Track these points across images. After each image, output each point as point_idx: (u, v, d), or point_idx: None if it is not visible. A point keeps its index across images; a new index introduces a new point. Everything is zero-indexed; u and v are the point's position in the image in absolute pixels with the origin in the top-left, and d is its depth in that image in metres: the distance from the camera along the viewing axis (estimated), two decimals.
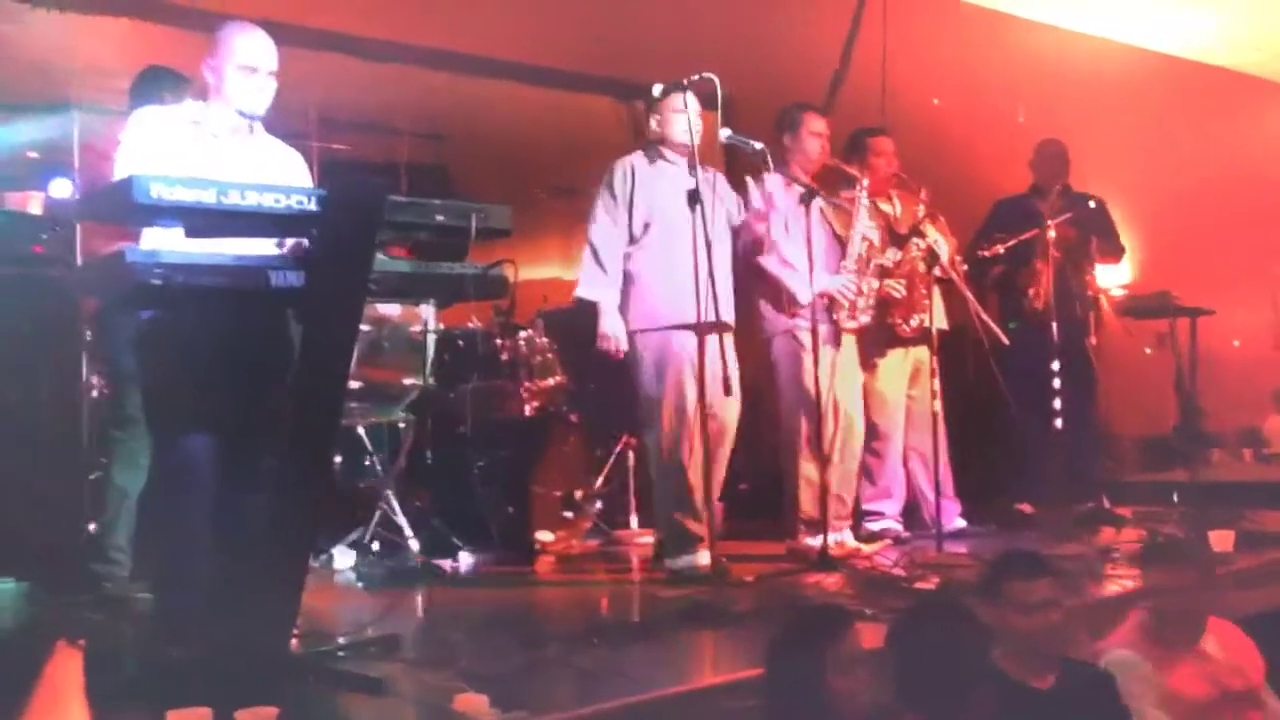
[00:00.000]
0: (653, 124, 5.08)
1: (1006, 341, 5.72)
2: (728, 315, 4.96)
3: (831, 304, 5.45)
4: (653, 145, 5.11)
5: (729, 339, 5.01)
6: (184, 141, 3.51)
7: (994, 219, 6.50)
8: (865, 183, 5.57)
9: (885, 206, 5.88)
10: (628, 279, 5.05)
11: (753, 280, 5.42)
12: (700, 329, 4.70)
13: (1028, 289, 6.29)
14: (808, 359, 5.13)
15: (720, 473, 5.05)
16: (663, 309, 4.95)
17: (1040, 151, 6.64)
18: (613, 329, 4.99)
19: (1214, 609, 3.62)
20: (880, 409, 5.82)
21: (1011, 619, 3.13)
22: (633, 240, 5.05)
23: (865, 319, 5.55)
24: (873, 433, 5.76)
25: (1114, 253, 6.69)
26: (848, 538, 5.47)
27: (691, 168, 4.75)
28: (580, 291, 5.10)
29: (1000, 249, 6.13)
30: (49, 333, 4.82)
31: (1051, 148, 6.62)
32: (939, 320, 5.80)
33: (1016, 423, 5.96)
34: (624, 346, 5.00)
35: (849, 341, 5.56)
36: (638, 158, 5.12)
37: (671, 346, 4.91)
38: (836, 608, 3.64)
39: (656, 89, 4.82)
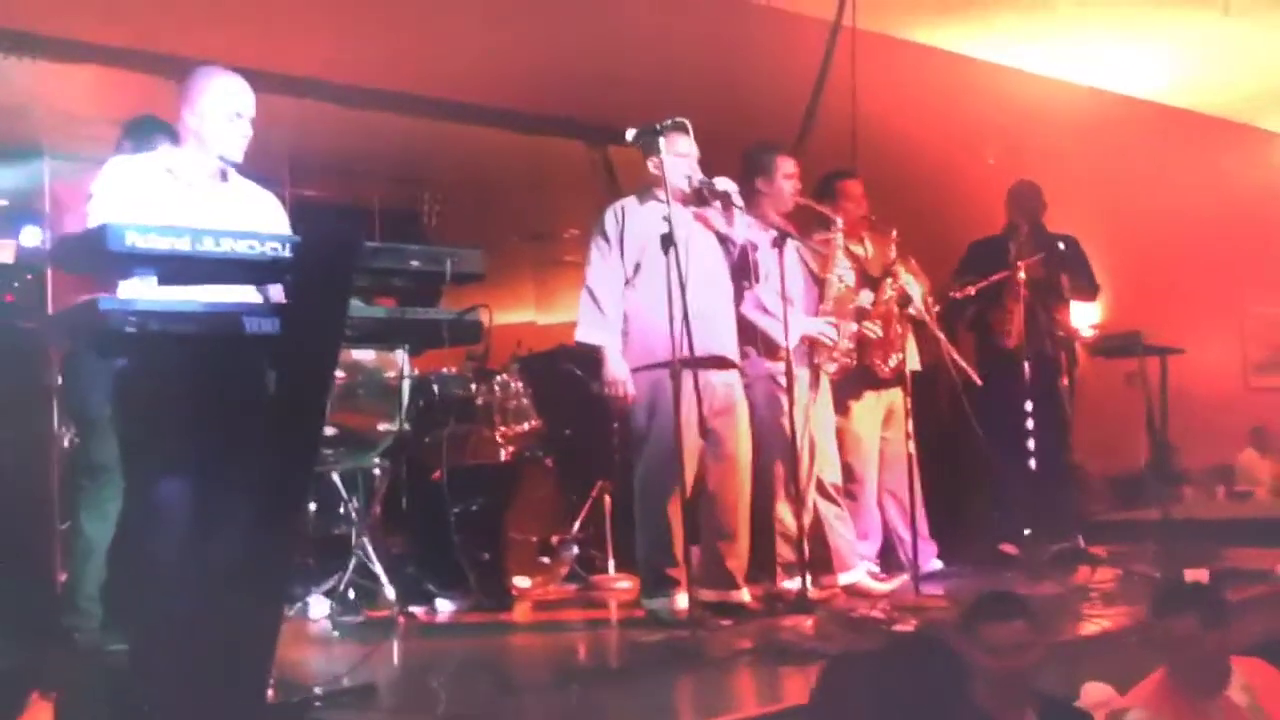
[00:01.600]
0: (650, 166, 4.97)
1: (979, 381, 5.75)
2: (729, 351, 5.00)
3: (812, 347, 5.46)
4: (647, 187, 5.06)
5: (730, 376, 5.03)
6: (157, 189, 3.49)
7: (969, 260, 6.54)
8: (840, 223, 5.60)
9: (856, 248, 5.90)
10: (624, 319, 5.01)
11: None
12: (692, 365, 4.64)
13: (999, 329, 6.33)
14: (784, 401, 5.13)
15: (736, 510, 5.00)
16: (656, 347, 4.84)
17: (1014, 192, 6.69)
18: (619, 373, 4.92)
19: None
20: (855, 450, 5.83)
21: (990, 658, 3.12)
22: (626, 281, 5.01)
23: (846, 361, 5.57)
24: (848, 474, 5.75)
25: (1088, 291, 6.74)
26: (863, 578, 5.47)
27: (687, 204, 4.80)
28: (580, 336, 5.03)
29: (971, 290, 6.19)
30: (19, 381, 4.78)
31: (1023, 189, 6.67)
32: (912, 361, 5.83)
33: (991, 463, 5.98)
34: (631, 390, 4.92)
35: (824, 383, 5.57)
36: (629, 200, 5.11)
37: (663, 385, 4.80)
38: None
39: (630, 133, 4.84)
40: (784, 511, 5.27)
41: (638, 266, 4.97)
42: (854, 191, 5.95)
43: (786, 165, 5.55)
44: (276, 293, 3.39)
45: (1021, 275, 6.10)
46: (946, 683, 2.85)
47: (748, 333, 5.32)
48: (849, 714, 2.80)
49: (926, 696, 2.84)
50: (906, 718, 2.85)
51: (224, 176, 3.62)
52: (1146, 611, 3.64)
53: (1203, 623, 3.36)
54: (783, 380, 5.17)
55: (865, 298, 5.74)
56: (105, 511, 4.23)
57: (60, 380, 4.90)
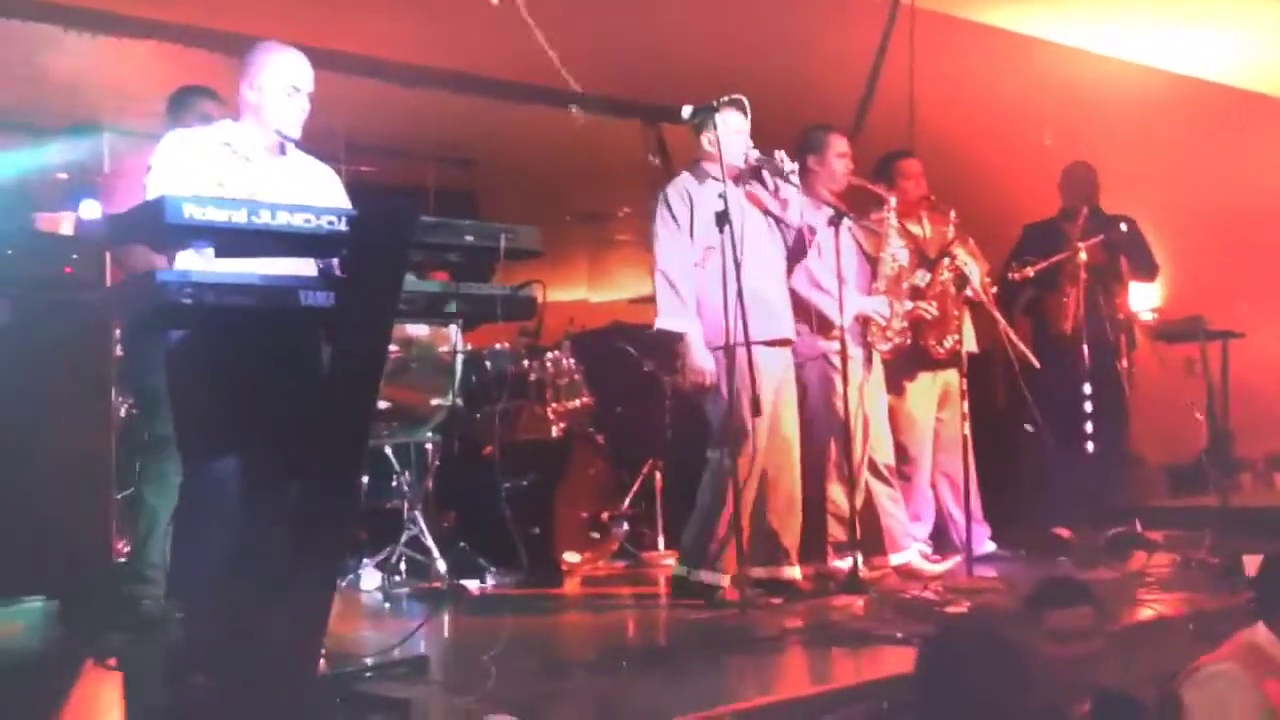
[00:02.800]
0: (704, 143, 4.93)
1: (1037, 364, 5.70)
2: (785, 331, 5.00)
3: (866, 325, 5.43)
4: (696, 163, 5.01)
5: (786, 355, 5.03)
6: (215, 162, 3.51)
7: (1024, 243, 6.48)
8: (893, 203, 5.56)
9: (914, 228, 5.86)
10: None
11: None
12: (750, 345, 4.58)
13: (1056, 313, 6.27)
14: (839, 382, 5.10)
15: (793, 489, 4.97)
16: (722, 329, 4.70)
17: (1068, 175, 6.63)
18: (704, 362, 4.81)
19: None
20: (909, 431, 5.80)
21: (1049, 645, 3.09)
22: (695, 264, 4.89)
23: (899, 340, 5.53)
24: (901, 455, 5.72)
25: (1147, 272, 6.65)
26: (915, 559, 5.45)
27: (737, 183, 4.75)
28: (662, 323, 4.87)
29: (1030, 272, 6.12)
30: (77, 353, 4.84)
31: (1079, 171, 6.60)
32: (968, 343, 5.78)
33: (1046, 446, 5.92)
34: (713, 379, 4.80)
35: (877, 363, 5.54)
36: (688, 179, 4.99)
37: (731, 366, 4.67)
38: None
39: (685, 111, 4.82)
40: (836, 491, 5.25)
41: (706, 248, 4.85)
42: (912, 170, 5.91)
43: (839, 144, 5.52)
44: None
45: (1082, 257, 6.03)
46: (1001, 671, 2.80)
47: (801, 310, 5.28)
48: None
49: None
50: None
51: (282, 150, 3.63)
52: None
53: None
54: (836, 360, 5.14)
55: (922, 278, 5.70)
56: (168, 483, 4.27)
57: (120, 352, 4.97)
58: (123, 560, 4.88)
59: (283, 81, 3.55)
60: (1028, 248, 6.38)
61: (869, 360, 5.47)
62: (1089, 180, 6.57)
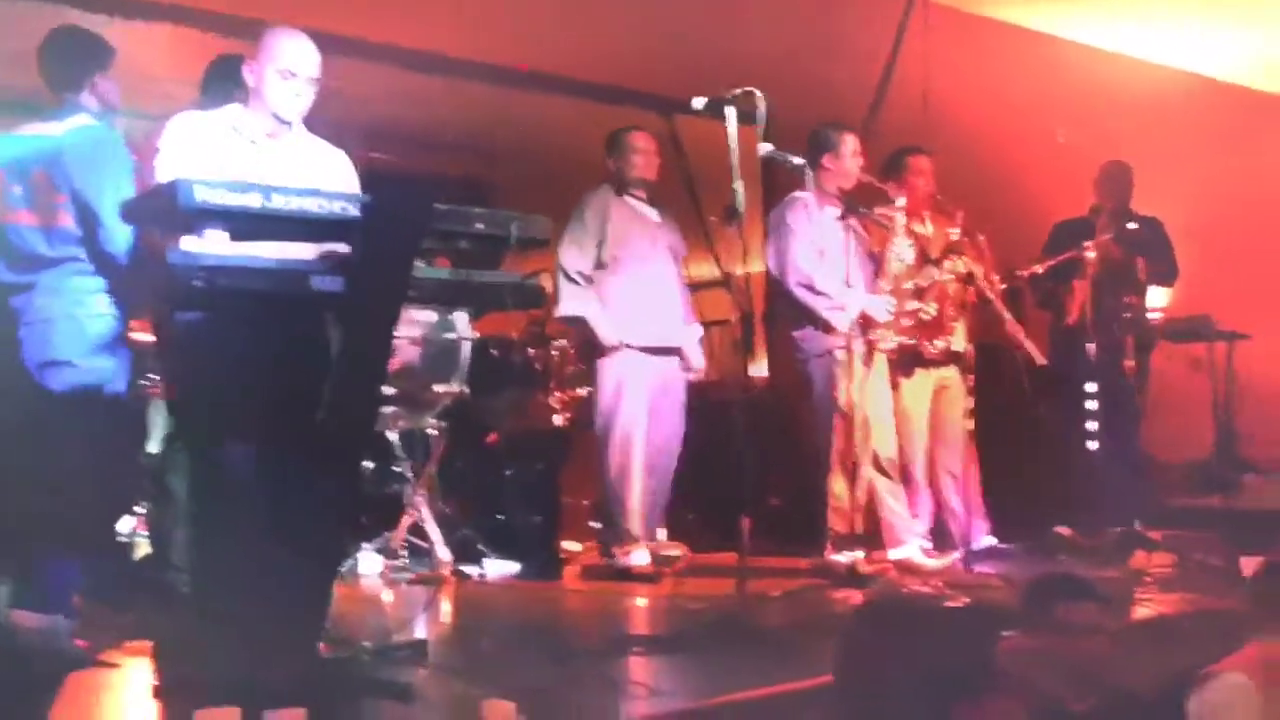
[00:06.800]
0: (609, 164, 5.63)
1: (1042, 361, 5.70)
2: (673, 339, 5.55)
3: (868, 323, 5.44)
4: (620, 176, 5.60)
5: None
6: (222, 145, 3.52)
7: (1053, 240, 6.44)
8: (902, 201, 5.57)
9: (918, 228, 5.85)
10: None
11: (785, 304, 5.46)
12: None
13: (1065, 309, 6.26)
14: (842, 376, 5.15)
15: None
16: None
17: (1104, 172, 6.61)
18: (610, 334, 5.43)
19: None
20: (903, 428, 5.81)
21: (1059, 640, 3.10)
22: (600, 265, 5.45)
23: (902, 339, 5.54)
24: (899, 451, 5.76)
25: (1166, 276, 6.62)
26: (915, 554, 5.47)
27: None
28: (562, 310, 5.48)
29: (1039, 269, 6.12)
30: None
31: (1114, 169, 6.58)
32: (958, 342, 5.79)
33: (1050, 443, 5.93)
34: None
35: (880, 359, 5.55)
36: (604, 190, 5.59)
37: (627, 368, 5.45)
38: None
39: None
40: (838, 485, 5.29)
41: (612, 255, 5.44)
42: (922, 167, 5.91)
43: (852, 142, 5.58)
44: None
45: (1090, 255, 6.02)
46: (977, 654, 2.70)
47: (803, 309, 5.35)
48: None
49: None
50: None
51: (290, 132, 3.63)
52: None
53: None
54: (840, 355, 5.19)
55: (926, 277, 5.70)
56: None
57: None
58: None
59: (277, 64, 3.54)
60: (1056, 245, 6.35)
61: (870, 357, 5.47)
62: (1124, 180, 6.54)
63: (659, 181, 5.77)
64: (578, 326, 5.53)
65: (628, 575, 5.29)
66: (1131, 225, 6.27)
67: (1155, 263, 6.44)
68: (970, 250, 5.85)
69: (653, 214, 5.61)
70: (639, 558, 5.35)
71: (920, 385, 5.85)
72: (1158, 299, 7.03)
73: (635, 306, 5.44)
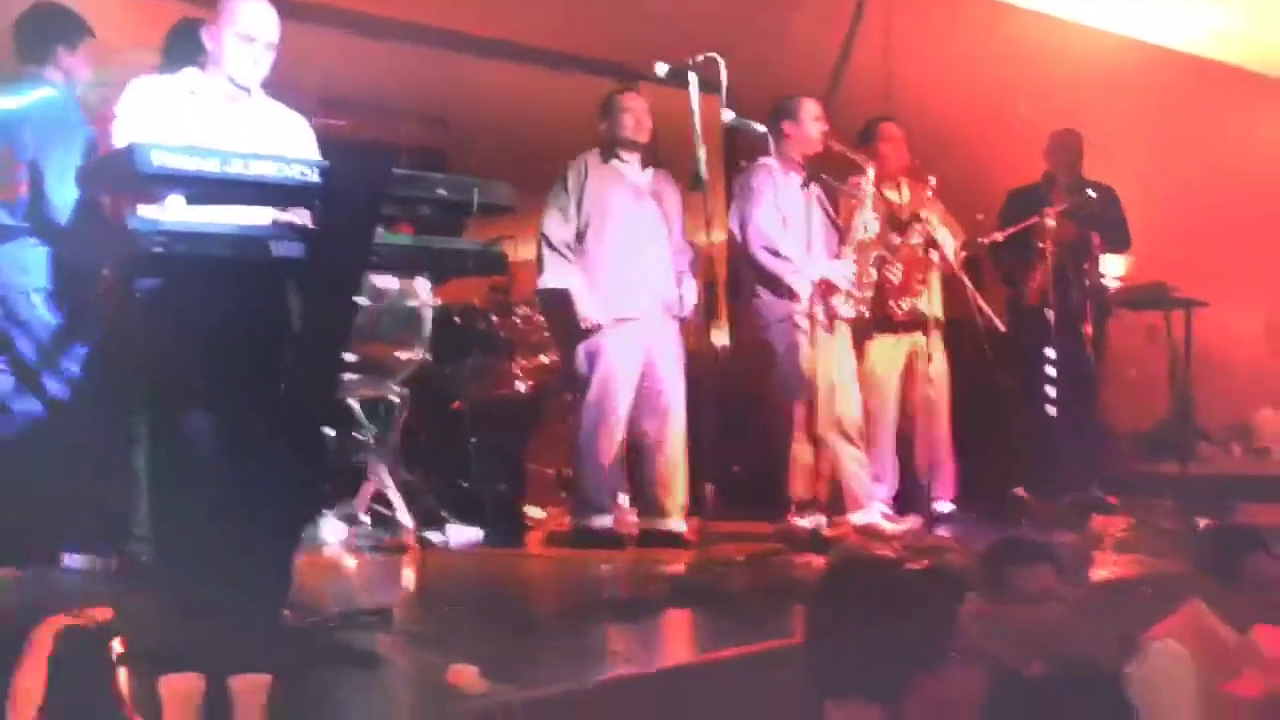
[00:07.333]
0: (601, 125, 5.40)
1: (1003, 328, 5.74)
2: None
3: (828, 289, 5.46)
4: (611, 141, 5.39)
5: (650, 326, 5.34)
6: (179, 109, 3.50)
7: (1007, 208, 6.50)
8: (871, 173, 5.58)
9: (891, 194, 5.87)
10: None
11: (748, 270, 5.47)
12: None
13: (1024, 278, 6.31)
14: (804, 343, 5.16)
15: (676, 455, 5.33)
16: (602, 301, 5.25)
17: (1054, 141, 6.67)
18: (590, 310, 5.24)
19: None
20: (872, 393, 5.85)
21: (1006, 605, 3.12)
22: (579, 235, 5.30)
23: (861, 309, 5.56)
24: (864, 416, 5.80)
25: (1119, 244, 6.66)
26: (876, 519, 5.50)
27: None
28: (545, 282, 5.32)
29: (999, 236, 6.16)
30: None
31: (1064, 138, 6.64)
32: (936, 309, 5.82)
33: (1010, 410, 5.99)
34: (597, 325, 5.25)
35: (843, 326, 5.58)
36: (591, 155, 5.39)
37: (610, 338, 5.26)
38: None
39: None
40: (801, 451, 5.32)
41: (588, 223, 5.27)
42: (893, 134, 5.95)
43: (812, 108, 5.58)
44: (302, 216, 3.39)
45: (1051, 223, 6.06)
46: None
47: (765, 274, 5.36)
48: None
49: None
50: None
51: (249, 95, 3.61)
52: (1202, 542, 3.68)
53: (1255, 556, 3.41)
54: (801, 321, 5.21)
55: (893, 240, 5.73)
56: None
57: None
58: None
59: (236, 28, 3.52)
60: (1010, 212, 6.40)
61: (832, 323, 5.50)
62: (1073, 148, 6.61)
63: None
64: (559, 298, 5.38)
65: (593, 539, 5.26)
66: (1090, 192, 6.31)
67: (1109, 230, 6.49)
68: (945, 217, 5.89)
69: (642, 177, 5.41)
70: (602, 521, 5.32)
71: (889, 350, 5.89)
72: (1115, 267, 7.10)
73: (615, 274, 5.28)
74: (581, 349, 5.30)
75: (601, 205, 5.30)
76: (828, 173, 5.48)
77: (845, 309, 5.51)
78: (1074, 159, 6.56)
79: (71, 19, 4.36)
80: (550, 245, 5.28)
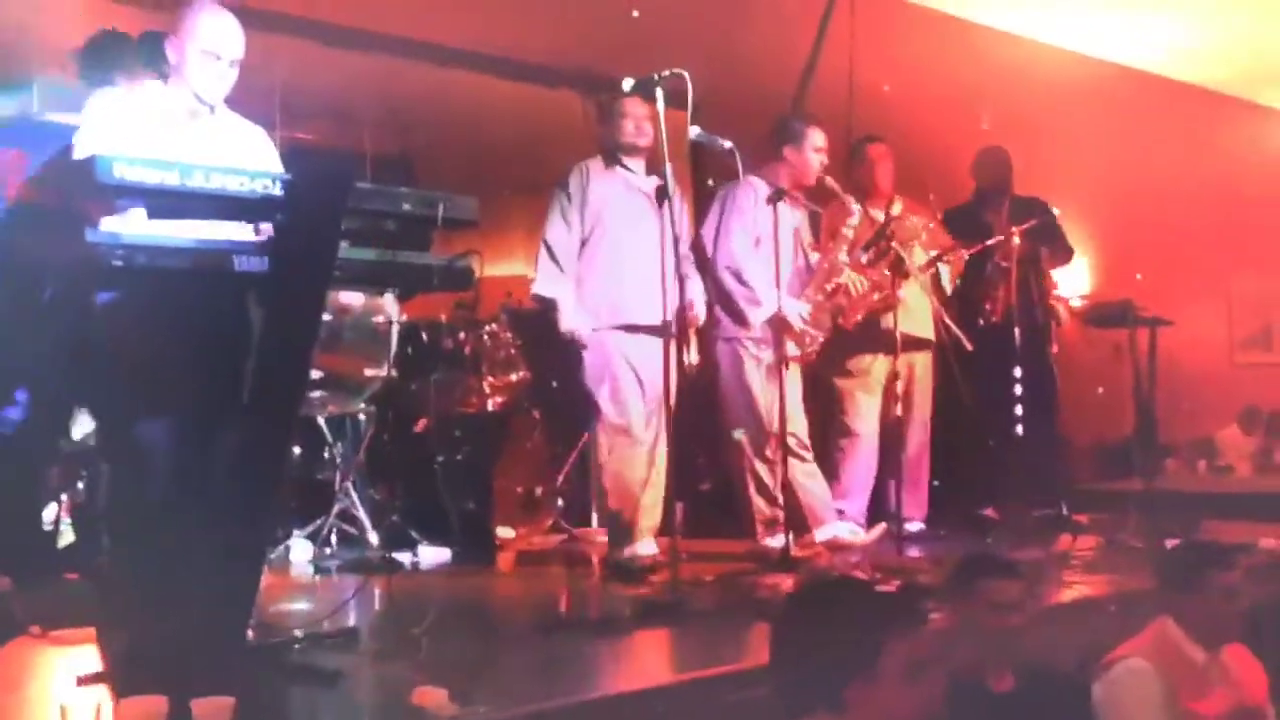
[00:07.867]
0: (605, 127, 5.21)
1: (970, 347, 5.74)
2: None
3: (781, 326, 5.30)
4: (614, 147, 5.22)
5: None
6: (142, 123, 3.45)
7: (949, 228, 6.45)
8: (855, 221, 5.50)
9: (876, 213, 5.83)
10: (577, 279, 5.14)
11: (709, 282, 5.41)
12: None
13: (988, 298, 6.29)
14: (749, 362, 5.24)
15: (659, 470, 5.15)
16: (603, 310, 5.10)
17: (983, 158, 6.59)
18: (571, 324, 5.09)
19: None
20: (852, 409, 5.84)
21: (974, 619, 3.12)
22: (582, 242, 5.16)
23: (810, 351, 5.48)
24: (842, 431, 5.78)
25: (1063, 257, 6.63)
26: (840, 531, 5.47)
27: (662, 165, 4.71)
28: (537, 289, 5.15)
29: (964, 255, 6.14)
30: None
31: (995, 155, 6.57)
32: (925, 329, 5.81)
33: (977, 428, 5.98)
34: (581, 341, 5.10)
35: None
36: (594, 161, 5.23)
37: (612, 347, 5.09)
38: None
39: (626, 83, 4.80)
40: (761, 470, 5.29)
41: (593, 229, 5.13)
42: (880, 154, 6.00)
43: (817, 137, 5.51)
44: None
45: (1016, 241, 6.06)
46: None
47: (722, 293, 5.33)
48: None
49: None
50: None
51: (211, 111, 3.57)
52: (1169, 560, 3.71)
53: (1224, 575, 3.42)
54: (749, 343, 5.29)
55: (864, 258, 5.69)
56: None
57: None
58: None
59: (200, 45, 3.47)
60: (950, 233, 6.39)
61: (780, 342, 5.35)
62: (1004, 164, 6.54)
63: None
64: (547, 308, 5.23)
65: (632, 570, 4.97)
66: (1054, 209, 6.31)
67: (1052, 245, 6.43)
68: (939, 237, 5.90)
69: (647, 183, 5.21)
70: (645, 548, 5.10)
71: (868, 367, 5.86)
72: (1080, 282, 7.14)
73: (616, 282, 5.11)
74: (590, 363, 5.12)
75: (606, 211, 5.14)
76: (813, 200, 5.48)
77: (791, 349, 5.37)
78: (1005, 174, 6.52)
79: (132, 51, 4.45)
80: (549, 252, 5.13)
